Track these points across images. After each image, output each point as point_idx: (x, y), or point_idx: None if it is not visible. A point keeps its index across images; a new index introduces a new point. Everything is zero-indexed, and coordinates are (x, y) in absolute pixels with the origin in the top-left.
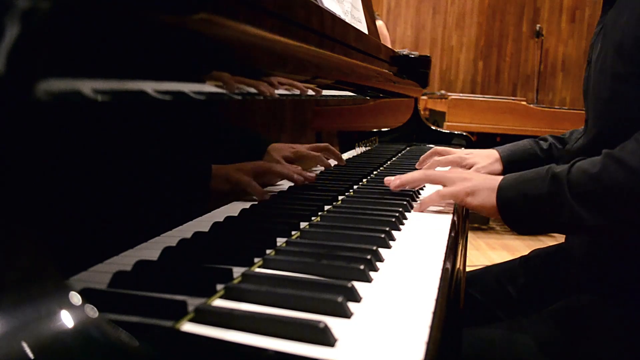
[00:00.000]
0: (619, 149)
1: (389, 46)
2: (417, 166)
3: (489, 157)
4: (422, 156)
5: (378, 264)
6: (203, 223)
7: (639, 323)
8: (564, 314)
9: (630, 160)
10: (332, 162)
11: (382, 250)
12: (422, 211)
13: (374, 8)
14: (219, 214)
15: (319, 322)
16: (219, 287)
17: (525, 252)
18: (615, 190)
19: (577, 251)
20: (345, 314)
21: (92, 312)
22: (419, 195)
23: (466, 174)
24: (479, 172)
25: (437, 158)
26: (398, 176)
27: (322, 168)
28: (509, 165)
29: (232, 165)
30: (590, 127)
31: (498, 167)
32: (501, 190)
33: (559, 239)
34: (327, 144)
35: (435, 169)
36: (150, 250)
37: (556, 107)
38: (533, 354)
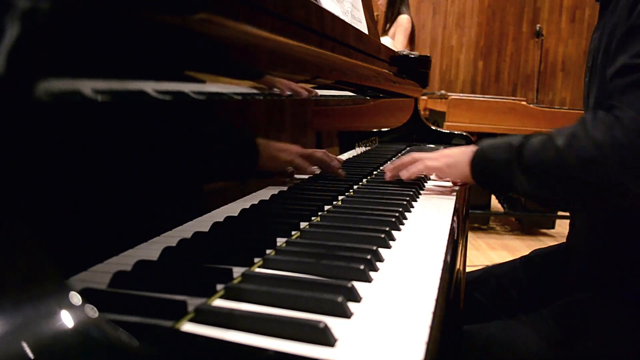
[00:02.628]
0: (558, 129)
1: (406, 39)
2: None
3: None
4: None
5: (378, 264)
6: (203, 223)
7: (638, 321)
8: (564, 312)
9: (559, 140)
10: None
11: (382, 250)
12: (407, 178)
13: (374, 8)
14: (219, 214)
15: (319, 322)
16: (219, 287)
17: (526, 252)
18: (546, 167)
19: (578, 249)
20: (345, 314)
21: (92, 312)
22: (419, 196)
23: (447, 153)
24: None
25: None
26: (399, 168)
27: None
28: None
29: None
30: None
31: None
32: (474, 154)
33: (559, 239)
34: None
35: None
36: (150, 250)
37: (556, 107)
38: (533, 352)
